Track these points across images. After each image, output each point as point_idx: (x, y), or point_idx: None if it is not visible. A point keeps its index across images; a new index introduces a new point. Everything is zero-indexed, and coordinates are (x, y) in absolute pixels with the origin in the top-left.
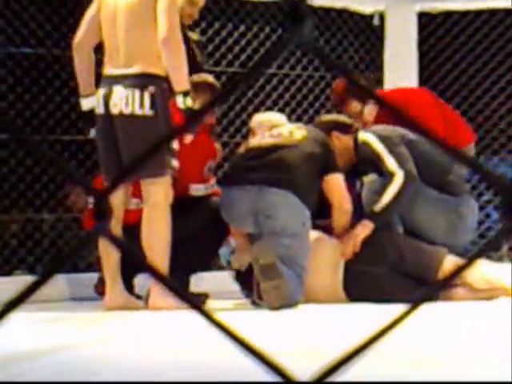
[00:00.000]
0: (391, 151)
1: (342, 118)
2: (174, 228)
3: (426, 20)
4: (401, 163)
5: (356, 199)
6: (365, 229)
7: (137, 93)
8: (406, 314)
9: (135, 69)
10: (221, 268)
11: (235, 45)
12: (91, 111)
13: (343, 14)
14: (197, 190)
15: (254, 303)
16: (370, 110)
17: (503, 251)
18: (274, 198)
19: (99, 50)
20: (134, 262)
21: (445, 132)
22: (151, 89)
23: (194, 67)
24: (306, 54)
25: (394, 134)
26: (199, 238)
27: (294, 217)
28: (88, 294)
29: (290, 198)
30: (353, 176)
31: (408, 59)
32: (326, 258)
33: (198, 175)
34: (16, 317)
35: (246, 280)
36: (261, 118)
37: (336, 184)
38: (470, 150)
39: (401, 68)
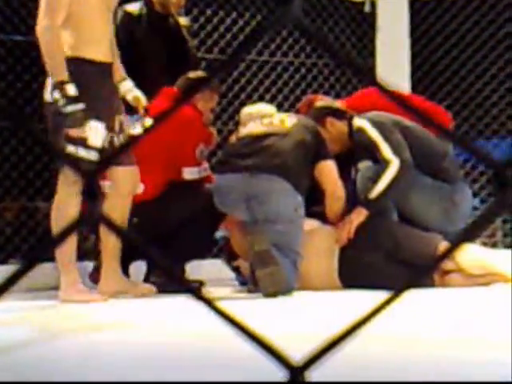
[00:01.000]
0: (387, 138)
1: (336, 103)
2: (168, 216)
3: (418, 6)
4: (396, 150)
5: (351, 186)
6: (359, 215)
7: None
8: (391, 299)
9: None
10: (216, 256)
11: (227, 32)
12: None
13: (334, 1)
14: (190, 173)
15: (249, 291)
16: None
17: (498, 237)
18: (265, 183)
19: None
20: (129, 249)
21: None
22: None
23: (185, 57)
24: (297, 41)
25: (388, 121)
26: (193, 225)
27: (286, 203)
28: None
29: (282, 184)
30: (348, 162)
31: (400, 46)
32: (321, 245)
33: (190, 158)
34: (7, 305)
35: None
36: (250, 110)
37: (328, 171)
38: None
39: (393, 55)
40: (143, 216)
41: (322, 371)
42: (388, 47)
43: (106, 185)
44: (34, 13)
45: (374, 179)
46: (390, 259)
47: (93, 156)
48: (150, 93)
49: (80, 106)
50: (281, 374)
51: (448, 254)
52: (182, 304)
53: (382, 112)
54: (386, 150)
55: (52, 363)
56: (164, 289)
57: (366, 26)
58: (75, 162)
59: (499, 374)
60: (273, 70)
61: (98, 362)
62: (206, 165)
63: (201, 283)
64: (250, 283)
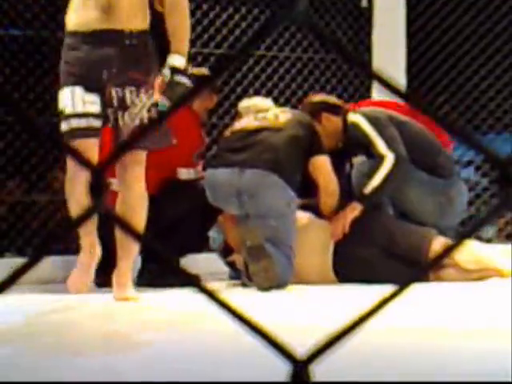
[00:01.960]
0: (381, 133)
1: (332, 98)
2: (163, 212)
3: (415, 1)
4: (391, 145)
5: (345, 181)
6: (354, 210)
7: None
8: (395, 294)
9: None
10: (211, 250)
11: (223, 26)
12: None
13: None
14: (185, 174)
15: (244, 285)
16: None
17: (492, 233)
18: (256, 178)
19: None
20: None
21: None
22: None
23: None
24: (294, 35)
25: (382, 116)
26: (188, 221)
27: (278, 197)
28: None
29: (273, 179)
30: (342, 157)
31: (396, 41)
32: (315, 239)
33: (187, 160)
34: (8, 299)
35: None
36: (248, 103)
37: (322, 166)
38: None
39: (389, 50)
40: None
41: (325, 365)
42: (385, 42)
43: (113, 182)
44: (32, 7)
45: (369, 174)
46: (384, 254)
47: (75, 124)
48: None
49: None
50: (284, 368)
51: (452, 249)
52: (182, 299)
53: (377, 107)
54: (380, 145)
55: (48, 355)
56: (161, 282)
57: (362, 20)
58: (82, 157)
59: (497, 368)
60: (269, 64)
61: (97, 361)
62: (200, 167)
63: (196, 277)
64: (243, 277)
